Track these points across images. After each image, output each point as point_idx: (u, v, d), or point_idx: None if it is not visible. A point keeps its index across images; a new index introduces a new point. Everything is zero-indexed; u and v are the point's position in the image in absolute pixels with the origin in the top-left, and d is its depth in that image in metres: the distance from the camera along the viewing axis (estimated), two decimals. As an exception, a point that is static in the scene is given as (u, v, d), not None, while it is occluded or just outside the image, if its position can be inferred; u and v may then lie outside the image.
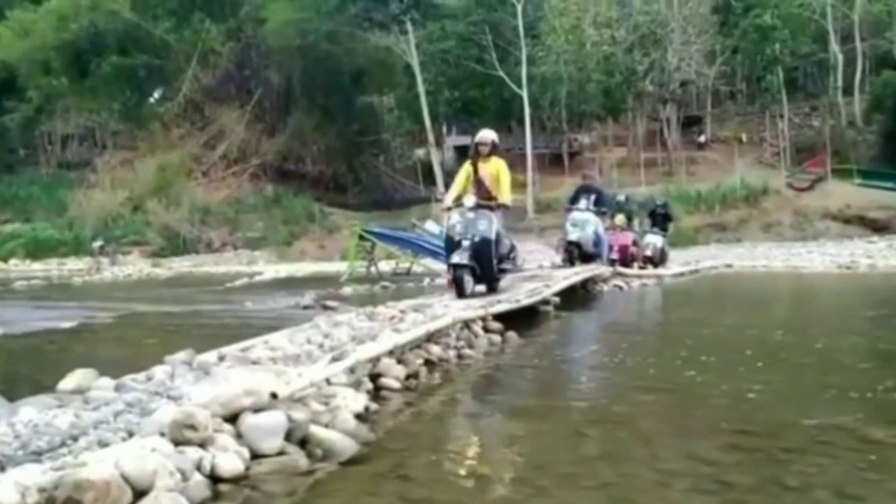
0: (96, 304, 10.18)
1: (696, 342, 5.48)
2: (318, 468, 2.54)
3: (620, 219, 12.65)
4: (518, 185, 27.61)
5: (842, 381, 3.94)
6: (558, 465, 2.57)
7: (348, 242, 19.21)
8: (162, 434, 2.41)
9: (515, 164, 30.38)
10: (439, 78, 35.58)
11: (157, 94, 41.15)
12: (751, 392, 3.60)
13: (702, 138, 38.28)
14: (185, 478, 2.20)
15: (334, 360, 3.46)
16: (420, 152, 38.27)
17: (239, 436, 2.54)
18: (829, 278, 13.75)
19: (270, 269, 22.30)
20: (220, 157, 37.20)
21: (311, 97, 37.16)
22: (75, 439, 2.45)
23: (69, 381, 3.69)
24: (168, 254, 30.97)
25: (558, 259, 11.25)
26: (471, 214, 6.77)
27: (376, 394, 3.58)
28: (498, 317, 5.63)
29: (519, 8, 32.72)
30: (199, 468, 2.29)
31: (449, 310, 5.42)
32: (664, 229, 14.35)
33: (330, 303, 8.50)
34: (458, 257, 6.59)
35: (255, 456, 2.49)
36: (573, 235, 10.54)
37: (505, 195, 7.04)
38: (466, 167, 7.29)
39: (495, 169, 7.14)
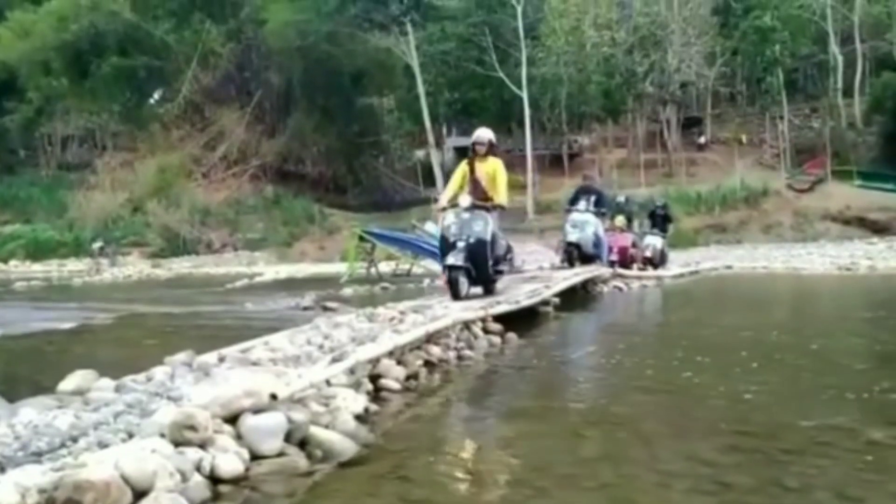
0: (96, 305, 10.17)
1: (696, 343, 5.48)
2: (317, 469, 2.54)
3: (620, 220, 12.66)
4: (518, 187, 27.75)
5: (840, 382, 3.94)
6: (558, 466, 2.57)
7: (348, 243, 19.18)
8: (162, 435, 2.41)
9: (515, 165, 30.56)
10: (439, 79, 35.63)
11: (157, 96, 41.14)
12: (749, 393, 3.61)
13: (702, 140, 38.27)
14: (184, 479, 2.20)
15: (334, 361, 3.46)
16: (420, 153, 38.27)
17: (239, 437, 2.55)
18: (828, 280, 13.75)
19: (270, 270, 22.26)
20: (220, 158, 37.20)
21: (311, 98, 37.14)
22: (75, 440, 2.45)
23: (69, 382, 3.70)
24: (168, 255, 30.93)
25: (558, 260, 11.27)
26: (466, 215, 6.63)
27: (376, 395, 3.58)
28: (498, 318, 5.62)
29: (519, 9, 32.72)
30: (198, 469, 2.30)
31: (449, 311, 5.41)
32: (664, 230, 14.33)
33: (330, 304, 8.49)
34: (454, 258, 6.44)
35: (255, 457, 2.49)
36: (573, 236, 10.55)
37: (501, 196, 6.85)
38: (463, 167, 7.14)
39: (492, 169, 6.97)
